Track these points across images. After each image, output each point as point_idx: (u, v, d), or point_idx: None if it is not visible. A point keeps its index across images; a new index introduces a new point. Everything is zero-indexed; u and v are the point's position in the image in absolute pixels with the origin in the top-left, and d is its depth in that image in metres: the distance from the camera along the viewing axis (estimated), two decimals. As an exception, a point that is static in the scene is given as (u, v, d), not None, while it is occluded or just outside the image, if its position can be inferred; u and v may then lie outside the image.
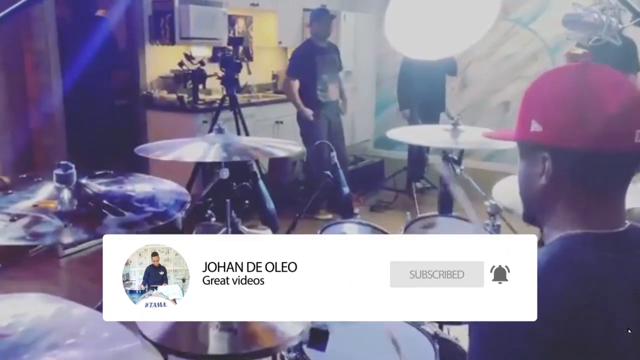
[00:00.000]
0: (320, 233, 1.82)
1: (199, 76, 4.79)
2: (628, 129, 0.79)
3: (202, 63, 4.78)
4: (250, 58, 6.00)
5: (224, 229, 1.41)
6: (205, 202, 1.72)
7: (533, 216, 0.92)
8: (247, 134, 4.77)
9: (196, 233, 1.44)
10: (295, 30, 6.18)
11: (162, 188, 1.11)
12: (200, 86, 4.95)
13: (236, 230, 1.43)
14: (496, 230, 2.08)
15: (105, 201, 0.97)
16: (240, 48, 5.89)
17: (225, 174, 1.61)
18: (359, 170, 5.66)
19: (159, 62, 4.96)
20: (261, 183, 1.63)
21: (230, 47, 4.76)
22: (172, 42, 4.75)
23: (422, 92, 4.85)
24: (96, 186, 1.04)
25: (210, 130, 4.60)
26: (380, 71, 6.91)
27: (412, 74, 4.82)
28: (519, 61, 5.92)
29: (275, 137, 5.64)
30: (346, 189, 1.85)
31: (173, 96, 4.82)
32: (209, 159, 1.54)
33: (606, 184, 0.83)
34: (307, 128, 4.62)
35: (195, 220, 1.74)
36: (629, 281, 0.80)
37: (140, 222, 0.93)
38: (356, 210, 4.95)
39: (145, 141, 4.92)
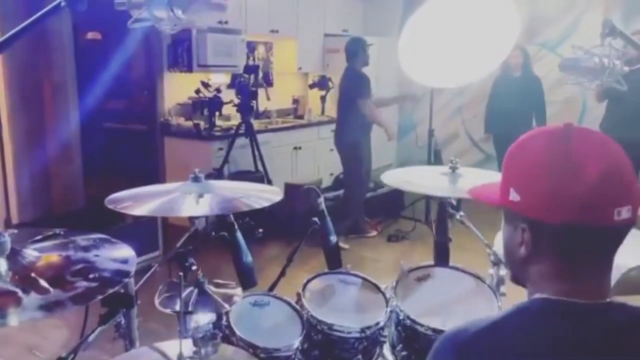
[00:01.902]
0: (305, 284, 1.73)
1: (215, 103, 4.80)
2: (607, 206, 0.75)
3: (218, 90, 4.79)
4: (270, 84, 6.01)
5: (189, 289, 1.33)
6: (186, 250, 1.64)
7: (518, 279, 0.89)
8: (262, 161, 4.74)
9: (160, 292, 1.37)
10: (316, 56, 6.16)
11: (108, 255, 1.04)
12: (218, 113, 4.96)
13: (202, 291, 1.35)
14: (500, 281, 1.94)
15: (33, 274, 0.90)
16: (260, 74, 5.91)
17: (201, 224, 1.53)
18: (379, 197, 5.53)
19: (177, 89, 5.00)
20: (239, 234, 1.55)
21: (246, 75, 4.75)
22: (190, 69, 4.78)
23: (506, 118, 4.82)
24: (32, 254, 0.97)
25: (226, 158, 4.63)
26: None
27: (501, 95, 4.88)
28: (546, 85, 5.71)
29: (293, 163, 5.61)
30: (333, 238, 1.75)
31: (190, 123, 4.83)
32: (182, 213, 1.47)
33: (587, 258, 0.79)
34: (358, 149, 4.59)
35: (175, 270, 1.67)
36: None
37: (64, 302, 0.85)
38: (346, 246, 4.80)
39: (162, 167, 4.97)
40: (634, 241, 1.69)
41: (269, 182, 4.77)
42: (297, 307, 1.61)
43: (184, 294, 1.30)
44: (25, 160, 3.97)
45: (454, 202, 1.87)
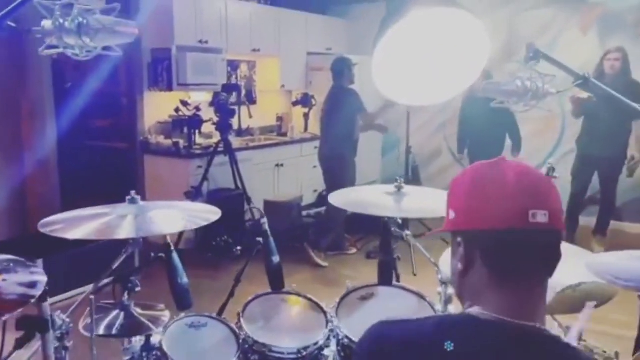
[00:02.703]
0: (247, 305, 1.73)
1: (195, 122, 4.84)
2: (521, 208, 0.81)
3: (197, 109, 4.83)
4: (253, 102, 6.06)
5: (115, 312, 1.34)
6: (130, 271, 1.65)
7: (460, 297, 0.92)
8: (240, 179, 4.76)
9: (85, 315, 1.38)
10: (299, 74, 6.22)
11: (16, 279, 1.05)
12: (198, 131, 4.99)
13: (128, 313, 1.35)
14: (448, 300, 1.94)
15: None
16: (244, 92, 5.97)
17: (138, 245, 1.54)
18: (359, 214, 5.49)
19: (158, 107, 5.04)
20: (175, 255, 1.56)
21: (225, 94, 4.79)
22: (170, 88, 4.83)
23: (478, 138, 4.88)
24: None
25: (204, 176, 4.65)
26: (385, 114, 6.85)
27: (470, 116, 4.91)
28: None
29: (275, 180, 5.63)
30: (276, 258, 1.76)
31: (169, 141, 4.86)
32: (118, 235, 1.48)
33: (515, 269, 0.83)
34: (342, 166, 4.62)
35: (118, 291, 1.68)
36: None
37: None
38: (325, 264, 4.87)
39: (142, 186, 4.98)
40: (571, 260, 1.70)
41: (248, 200, 4.79)
42: (235, 328, 1.61)
43: (110, 317, 1.30)
44: (1, 178, 3.98)
45: (400, 222, 1.88)
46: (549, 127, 5.64)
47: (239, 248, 4.61)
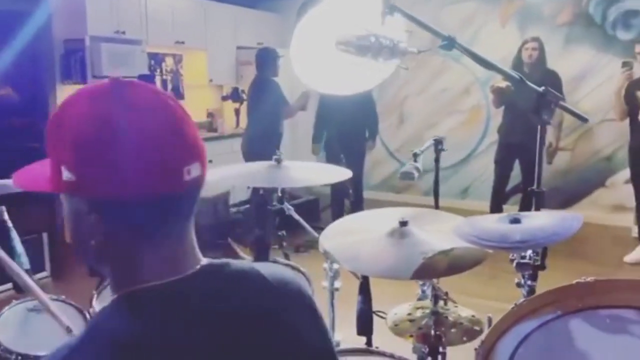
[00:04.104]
0: (104, 287, 1.60)
1: (112, 115, 4.62)
2: (175, 168, 0.66)
3: (114, 102, 4.62)
4: (180, 96, 5.88)
5: None
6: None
7: (95, 271, 0.76)
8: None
9: None
10: (228, 68, 6.10)
11: None
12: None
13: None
14: (334, 276, 1.88)
15: None
16: (170, 86, 5.79)
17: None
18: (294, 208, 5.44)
19: (73, 101, 4.79)
20: (13, 234, 1.41)
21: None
22: (84, 81, 4.60)
23: (338, 124, 4.87)
24: None
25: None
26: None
27: (329, 108, 4.88)
28: (453, 95, 5.86)
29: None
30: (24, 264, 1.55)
31: (85, 136, 4.63)
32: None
33: (168, 233, 0.69)
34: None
35: None
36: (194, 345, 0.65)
37: None
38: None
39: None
40: (446, 226, 1.66)
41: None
42: (84, 309, 1.49)
43: None
44: None
45: (280, 194, 1.81)
46: (474, 118, 5.74)
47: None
